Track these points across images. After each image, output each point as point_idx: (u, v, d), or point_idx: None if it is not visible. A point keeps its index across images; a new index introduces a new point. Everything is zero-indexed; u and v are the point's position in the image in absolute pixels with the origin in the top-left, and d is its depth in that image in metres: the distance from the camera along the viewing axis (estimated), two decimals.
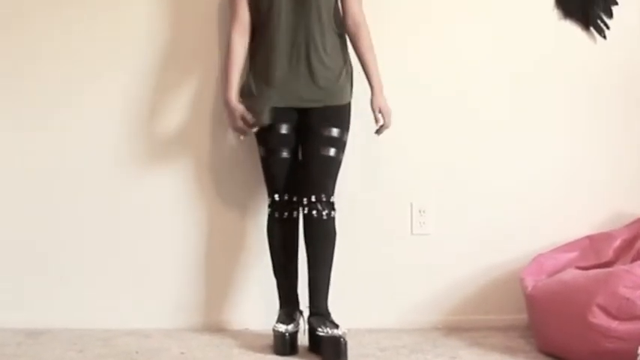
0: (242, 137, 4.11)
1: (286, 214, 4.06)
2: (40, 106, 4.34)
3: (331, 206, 3.98)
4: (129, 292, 4.39)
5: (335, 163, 4.01)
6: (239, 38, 4.06)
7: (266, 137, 4.03)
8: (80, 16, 4.32)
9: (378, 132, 4.08)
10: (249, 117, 3.97)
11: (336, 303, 4.03)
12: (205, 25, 4.32)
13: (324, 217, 3.95)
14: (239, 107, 4.00)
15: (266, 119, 3.95)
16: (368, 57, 4.08)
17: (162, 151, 4.36)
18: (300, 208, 4.02)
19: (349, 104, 4.07)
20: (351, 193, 4.26)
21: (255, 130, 4.01)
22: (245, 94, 4.05)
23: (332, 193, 3.99)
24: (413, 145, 4.40)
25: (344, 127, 4.03)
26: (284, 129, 4.02)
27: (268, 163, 4.08)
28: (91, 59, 4.33)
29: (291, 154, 4.06)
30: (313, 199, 3.94)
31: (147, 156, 4.35)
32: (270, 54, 3.98)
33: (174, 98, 4.35)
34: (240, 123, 3.99)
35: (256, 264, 4.33)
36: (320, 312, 3.98)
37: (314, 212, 3.94)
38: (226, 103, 4.04)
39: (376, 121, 4.04)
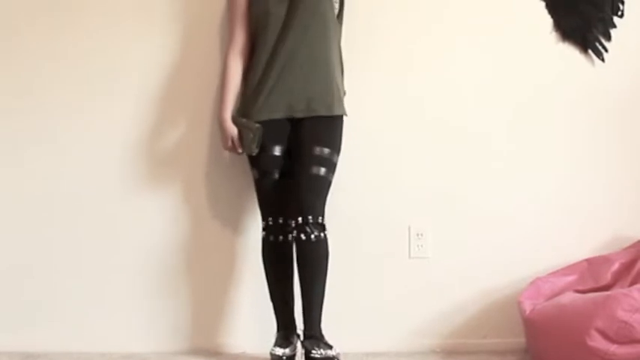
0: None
1: (281, 237, 4.05)
2: (38, 128, 4.34)
3: (321, 227, 3.95)
4: (126, 316, 4.37)
5: (325, 183, 3.99)
6: (235, 59, 4.11)
7: (259, 159, 4.04)
8: (79, 37, 4.33)
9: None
10: (237, 143, 4.02)
11: (333, 326, 4.02)
12: (204, 45, 4.33)
13: (313, 239, 3.91)
14: (231, 129, 4.04)
15: (254, 149, 3.97)
16: None
17: (156, 172, 4.35)
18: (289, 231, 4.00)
19: (341, 121, 4.07)
20: (348, 216, 4.26)
21: (241, 153, 4.06)
22: (241, 112, 4.07)
23: (321, 214, 3.96)
24: (411, 168, 4.40)
25: (335, 147, 4.03)
26: (277, 150, 4.04)
27: (261, 185, 4.09)
28: (90, 79, 4.34)
29: (283, 176, 4.07)
30: (300, 220, 3.92)
31: (142, 177, 4.35)
32: (266, 66, 4.01)
33: (171, 119, 4.35)
34: (230, 144, 4.05)
35: (252, 286, 4.31)
36: (313, 334, 3.96)
37: (302, 235, 3.91)
38: (220, 122, 4.09)
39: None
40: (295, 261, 4.01)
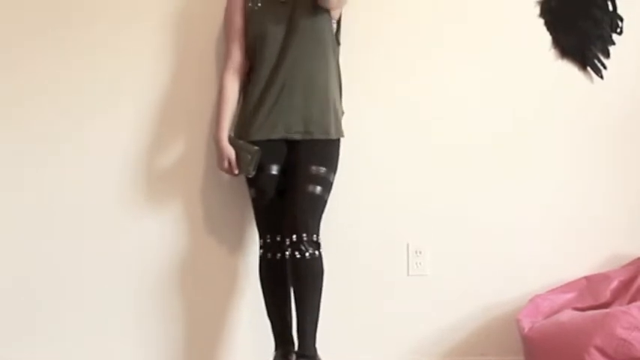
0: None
1: (278, 255, 4.01)
2: (34, 145, 4.33)
3: (316, 245, 3.91)
4: (121, 334, 4.35)
5: (320, 202, 3.97)
6: (231, 78, 4.11)
7: (256, 178, 4.03)
8: (79, 52, 4.32)
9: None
10: (234, 164, 4.02)
11: (331, 344, 4.02)
12: (202, 64, 4.33)
13: (308, 257, 3.87)
14: (228, 149, 4.03)
15: (251, 172, 3.97)
16: None
17: (154, 189, 4.34)
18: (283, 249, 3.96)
19: (338, 143, 4.07)
20: (347, 234, 4.26)
21: (238, 174, 4.05)
22: (238, 131, 4.08)
23: (316, 232, 3.93)
24: (409, 186, 4.39)
25: (331, 167, 4.02)
26: (274, 169, 4.03)
27: (259, 204, 4.08)
28: (89, 95, 4.33)
29: (281, 195, 4.05)
30: (295, 238, 3.88)
31: (139, 195, 4.34)
32: (264, 86, 4.01)
33: (169, 136, 4.34)
34: (227, 165, 4.03)
35: (250, 304, 4.30)
36: (307, 354, 3.92)
37: (297, 253, 3.87)
38: (216, 142, 4.09)
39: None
40: (290, 279, 3.99)
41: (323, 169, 3.97)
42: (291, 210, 3.94)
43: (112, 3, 4.33)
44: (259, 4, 4.06)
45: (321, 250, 3.93)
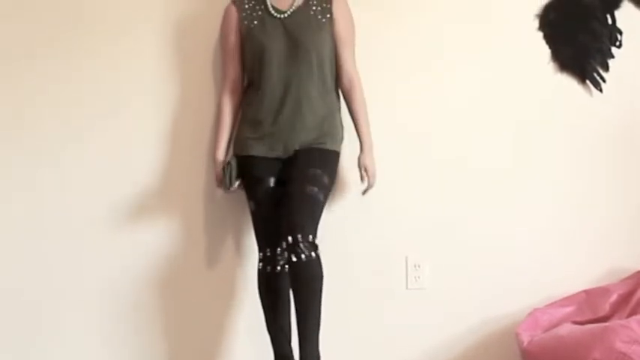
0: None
1: (278, 268, 4.02)
2: (30, 157, 4.33)
3: (313, 247, 3.85)
4: (118, 350, 4.34)
5: (317, 203, 3.94)
6: (228, 96, 4.14)
7: (255, 191, 4.04)
8: (77, 78, 4.33)
9: (363, 192, 4.10)
10: (218, 180, 4.10)
11: (330, 358, 3.99)
12: (203, 77, 4.33)
13: (304, 259, 3.81)
14: (219, 169, 4.11)
15: (227, 186, 4.05)
16: (360, 114, 4.10)
17: (152, 204, 4.34)
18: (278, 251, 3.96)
19: (337, 154, 4.09)
20: (345, 248, 4.25)
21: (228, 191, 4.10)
22: (237, 148, 4.10)
23: (312, 233, 3.86)
24: (408, 199, 4.39)
25: (329, 171, 4.03)
26: (272, 182, 4.04)
27: (258, 217, 4.07)
28: (88, 112, 4.33)
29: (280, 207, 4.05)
30: (290, 240, 3.82)
31: (138, 211, 4.33)
32: (262, 106, 4.02)
33: (167, 151, 4.34)
34: (217, 185, 4.14)
35: (248, 318, 4.29)
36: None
37: (293, 256, 3.82)
38: (213, 160, 4.15)
39: (361, 179, 4.05)
40: (290, 285, 3.97)
41: (319, 171, 3.97)
42: (287, 211, 3.91)
43: (111, 16, 4.33)
44: (255, 22, 4.06)
45: (318, 252, 3.87)
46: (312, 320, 3.90)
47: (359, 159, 4.05)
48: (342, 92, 4.13)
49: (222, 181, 4.07)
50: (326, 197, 4.00)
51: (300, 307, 3.91)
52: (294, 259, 3.83)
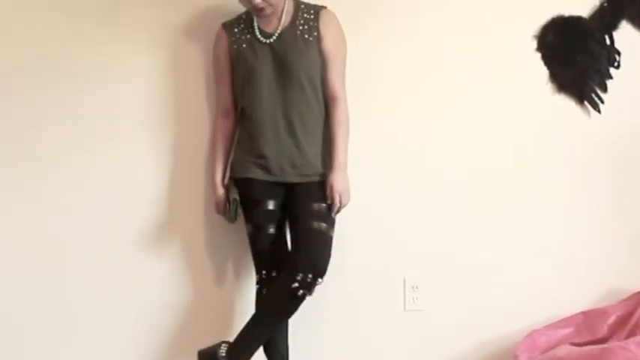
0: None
1: None
2: (30, 182, 4.31)
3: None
4: None
5: (329, 240, 3.95)
6: (222, 122, 4.14)
7: (253, 214, 4.02)
8: (72, 97, 4.31)
9: (334, 212, 4.00)
10: (221, 210, 4.08)
11: None
12: (200, 101, 4.32)
13: (300, 295, 3.84)
14: (220, 193, 4.09)
15: (232, 219, 4.05)
16: (337, 132, 4.03)
17: (150, 230, 4.32)
18: (287, 282, 3.88)
19: None
20: (343, 269, 4.22)
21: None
22: (234, 171, 4.09)
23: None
24: (405, 221, 4.38)
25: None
26: (271, 205, 4.01)
27: (256, 239, 4.06)
28: (85, 134, 4.31)
29: (277, 230, 4.05)
30: (310, 278, 3.84)
31: (138, 236, 4.32)
32: (256, 129, 4.00)
33: (166, 176, 4.33)
34: (216, 211, 4.12)
35: None
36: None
37: (301, 292, 3.83)
38: (212, 186, 4.13)
39: (327, 197, 3.97)
40: (266, 302, 3.98)
41: (324, 206, 3.96)
42: (304, 249, 3.91)
43: (107, 38, 4.33)
44: (244, 45, 4.04)
45: None
46: (261, 335, 3.94)
47: (328, 177, 3.99)
48: (325, 106, 4.07)
49: (227, 214, 4.06)
50: (334, 230, 4.00)
51: (265, 319, 3.94)
52: (300, 292, 3.84)
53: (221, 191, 4.09)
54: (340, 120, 4.03)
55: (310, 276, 3.84)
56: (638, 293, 4.28)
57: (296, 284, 3.83)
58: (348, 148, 4.04)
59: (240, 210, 4.05)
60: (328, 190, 3.95)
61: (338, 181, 3.96)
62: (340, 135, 4.02)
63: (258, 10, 3.95)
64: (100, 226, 4.31)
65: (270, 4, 3.94)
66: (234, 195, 4.03)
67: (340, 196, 3.95)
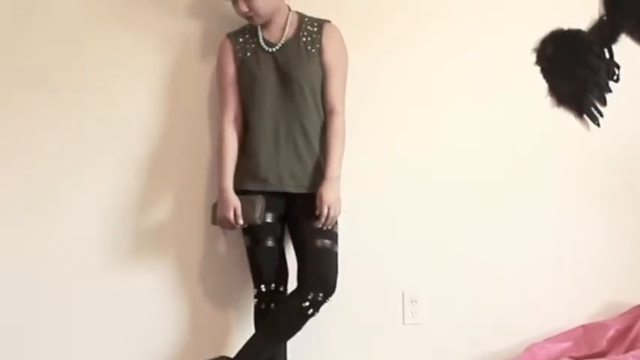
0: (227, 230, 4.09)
1: (273, 304, 4.00)
2: (26, 198, 4.29)
3: None
4: None
5: (334, 255, 3.95)
6: (230, 125, 4.07)
7: (250, 226, 3.98)
8: (70, 109, 4.29)
9: (322, 224, 3.94)
10: (239, 214, 3.92)
11: None
12: (197, 116, 4.31)
13: (310, 314, 3.86)
14: (234, 199, 3.95)
15: (257, 220, 3.93)
16: (333, 144, 4.00)
17: (147, 245, 4.30)
18: (297, 300, 3.88)
19: None
20: (342, 283, 4.18)
21: (244, 226, 3.97)
22: (234, 181, 4.03)
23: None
24: (404, 235, 4.37)
25: None
26: (269, 217, 3.99)
27: (254, 252, 4.04)
28: (82, 148, 4.30)
29: (276, 243, 4.04)
30: (321, 297, 3.85)
31: (132, 250, 4.30)
32: (256, 139, 3.99)
33: (161, 191, 4.32)
34: (232, 215, 3.93)
35: None
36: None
37: (312, 310, 3.84)
38: (221, 192, 3.99)
39: (316, 209, 3.93)
40: (273, 318, 3.95)
41: None
42: (314, 268, 3.90)
43: (108, 55, 4.32)
44: (248, 54, 4.05)
45: None
46: (264, 351, 3.92)
47: (318, 188, 3.95)
48: (324, 119, 4.07)
49: (248, 215, 3.92)
50: (338, 245, 4.00)
51: (270, 335, 3.93)
52: (310, 311, 3.85)
53: (233, 196, 3.96)
54: (336, 132, 4.01)
55: (321, 295, 3.85)
56: (637, 307, 4.28)
57: (307, 303, 3.84)
58: (342, 161, 4.01)
59: (263, 209, 3.97)
60: (318, 200, 3.92)
61: (328, 192, 3.92)
62: (335, 146, 4.00)
63: (248, 19, 3.99)
64: (96, 239, 4.29)
65: (259, 15, 3.96)
66: (259, 194, 3.95)
67: (329, 208, 3.91)
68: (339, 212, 3.97)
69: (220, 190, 4.00)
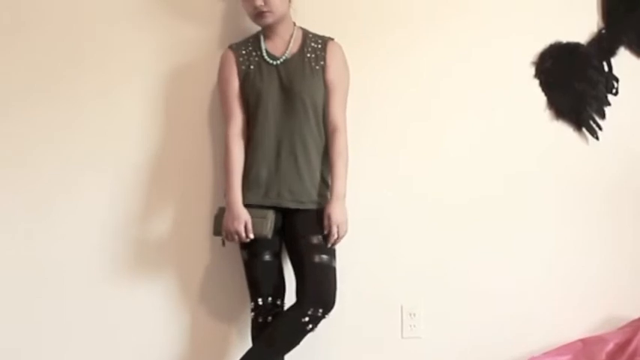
0: (224, 244, 4.05)
1: (270, 318, 3.99)
2: (26, 207, 4.29)
3: None
4: None
5: (332, 271, 3.94)
6: (237, 139, 4.02)
7: (249, 241, 3.97)
8: (69, 119, 4.28)
9: (331, 244, 3.96)
10: (249, 226, 3.90)
11: None
12: (196, 131, 4.31)
13: (308, 330, 3.85)
14: (244, 213, 3.92)
15: (269, 234, 3.91)
16: (337, 162, 4.00)
17: (145, 258, 4.30)
18: (296, 315, 3.86)
19: None
20: (340, 296, 4.18)
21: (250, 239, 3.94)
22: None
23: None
24: (402, 248, 4.36)
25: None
26: None
27: (251, 266, 4.03)
28: (79, 159, 4.29)
29: (274, 257, 4.03)
30: (320, 313, 3.85)
31: (130, 263, 4.29)
32: (257, 152, 3.97)
33: (161, 203, 4.31)
34: (243, 229, 3.90)
35: None
36: None
37: (311, 326, 3.84)
38: (230, 206, 3.95)
39: (324, 228, 3.94)
40: (272, 332, 3.93)
41: (323, 237, 3.95)
42: (313, 284, 3.89)
43: (105, 67, 4.31)
44: (252, 66, 4.03)
45: None
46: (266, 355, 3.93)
47: (325, 207, 3.96)
48: (326, 135, 4.06)
49: (258, 229, 3.91)
50: (336, 260, 3.99)
51: (268, 349, 3.91)
52: (310, 327, 3.85)
53: (243, 209, 3.92)
54: (340, 151, 4.01)
55: (320, 311, 3.85)
56: (636, 320, 4.28)
57: (306, 319, 3.83)
58: (347, 179, 4.01)
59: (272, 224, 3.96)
60: (326, 220, 3.93)
61: (336, 212, 3.94)
62: (340, 165, 4.00)
63: (259, 15, 3.95)
64: (94, 251, 4.29)
65: (272, 12, 3.94)
66: (271, 209, 3.94)
67: (338, 227, 3.93)
68: (347, 231, 3.98)
69: (230, 203, 3.96)
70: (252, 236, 3.91)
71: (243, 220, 3.90)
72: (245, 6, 3.99)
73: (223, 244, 4.02)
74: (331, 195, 3.98)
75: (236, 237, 3.92)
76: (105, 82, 4.31)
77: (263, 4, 3.91)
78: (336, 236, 3.93)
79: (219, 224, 4.00)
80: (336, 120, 4.03)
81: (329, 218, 3.92)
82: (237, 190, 3.96)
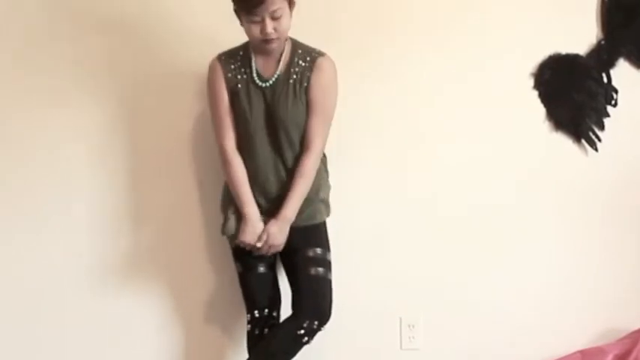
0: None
1: (266, 330, 3.98)
2: (20, 220, 4.27)
3: None
4: None
5: (328, 283, 3.93)
6: (234, 152, 3.93)
7: (243, 253, 3.94)
8: (67, 131, 4.28)
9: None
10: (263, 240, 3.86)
11: None
12: (187, 136, 4.32)
13: (304, 342, 3.84)
14: (261, 225, 3.86)
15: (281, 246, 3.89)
16: (298, 182, 3.86)
17: (139, 270, 4.29)
18: (292, 327, 3.85)
19: (324, 223, 4.00)
20: (336, 307, 4.16)
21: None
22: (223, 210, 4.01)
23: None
24: (402, 258, 4.35)
25: (326, 245, 3.97)
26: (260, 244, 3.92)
27: (246, 279, 4.01)
28: (76, 167, 4.28)
29: (268, 269, 4.01)
30: (316, 325, 3.83)
31: (123, 275, 4.28)
32: (249, 168, 3.90)
33: (153, 214, 4.31)
34: (257, 241, 3.85)
35: None
36: None
37: (307, 338, 3.83)
38: (247, 219, 3.86)
39: (259, 239, 3.84)
40: (268, 344, 3.91)
41: (319, 250, 3.92)
42: (308, 296, 3.87)
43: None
44: (239, 85, 3.92)
45: None
46: None
47: (267, 224, 3.85)
48: (298, 153, 3.95)
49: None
50: (331, 273, 3.96)
51: (268, 353, 3.89)
52: (305, 339, 3.83)
53: (260, 222, 3.85)
54: (304, 172, 3.88)
55: (316, 323, 3.83)
56: (636, 332, 4.28)
57: (302, 331, 3.81)
58: (300, 202, 3.89)
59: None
60: (264, 233, 3.84)
61: (277, 235, 3.85)
62: (299, 187, 3.87)
63: (267, 42, 3.80)
64: (85, 263, 4.28)
65: (280, 39, 3.81)
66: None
67: (269, 247, 3.86)
68: (275, 251, 3.90)
69: (246, 217, 3.87)
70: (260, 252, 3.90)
71: (259, 231, 3.85)
72: (251, 30, 3.79)
73: (229, 241, 4.02)
74: (279, 214, 3.86)
75: (250, 248, 3.89)
76: (92, 86, 4.28)
77: (274, 31, 3.75)
78: (260, 248, 3.86)
79: (234, 228, 3.91)
80: (310, 137, 3.90)
81: (267, 235, 3.84)
82: (252, 204, 3.88)
